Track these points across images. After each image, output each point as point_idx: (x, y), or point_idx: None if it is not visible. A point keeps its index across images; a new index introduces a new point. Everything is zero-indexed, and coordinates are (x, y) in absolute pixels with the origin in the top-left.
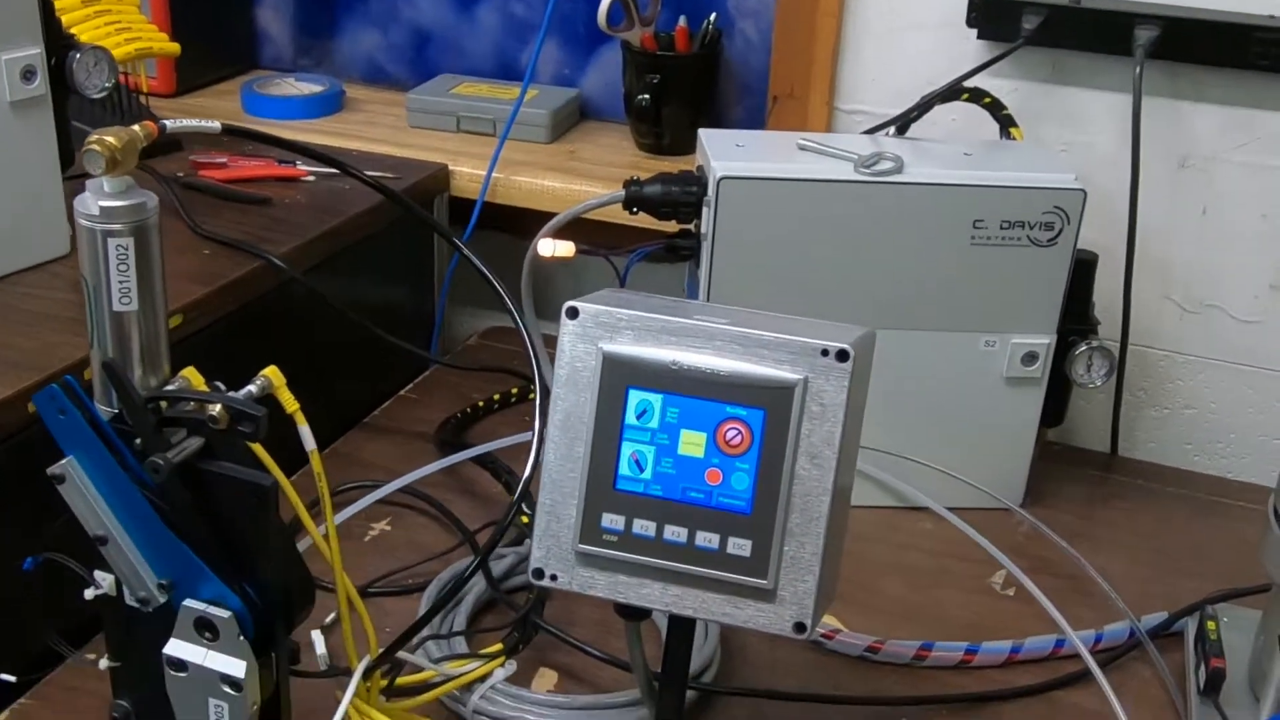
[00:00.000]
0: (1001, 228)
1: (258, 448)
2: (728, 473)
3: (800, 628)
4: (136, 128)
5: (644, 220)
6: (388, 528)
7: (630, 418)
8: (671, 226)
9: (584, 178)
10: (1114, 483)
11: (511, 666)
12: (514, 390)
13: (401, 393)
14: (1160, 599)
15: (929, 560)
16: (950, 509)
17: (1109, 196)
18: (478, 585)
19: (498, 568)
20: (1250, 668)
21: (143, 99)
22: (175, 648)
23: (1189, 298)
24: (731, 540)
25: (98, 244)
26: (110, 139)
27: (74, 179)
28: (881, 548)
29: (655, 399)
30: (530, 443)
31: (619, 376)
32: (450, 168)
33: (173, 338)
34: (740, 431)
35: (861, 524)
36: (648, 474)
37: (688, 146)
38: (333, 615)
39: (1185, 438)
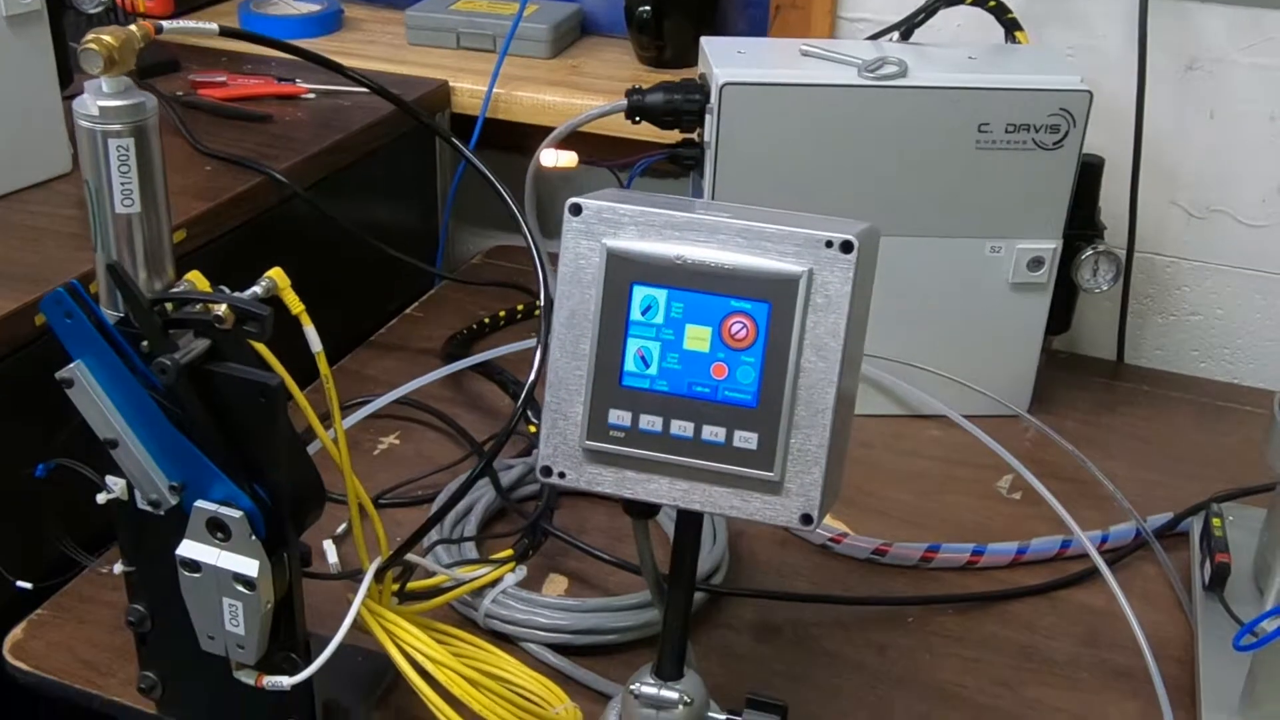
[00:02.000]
0: (1007, 131)
1: (263, 349)
2: (733, 367)
3: (807, 519)
4: (133, 27)
5: (646, 132)
6: (396, 441)
7: (635, 314)
8: (674, 136)
9: (586, 92)
10: (1120, 389)
11: (522, 571)
12: (519, 306)
13: (407, 311)
14: (1165, 501)
15: (935, 467)
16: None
17: (1115, 100)
18: (487, 494)
19: (506, 478)
20: (1255, 563)
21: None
22: (188, 549)
23: (1196, 202)
24: (738, 434)
25: (98, 145)
26: (107, 38)
27: (74, 97)
28: (888, 455)
29: (660, 294)
30: (534, 350)
31: (623, 272)
32: (451, 84)
33: (176, 253)
34: (745, 325)
35: (868, 432)
36: (653, 369)
37: (690, 59)
38: (344, 525)
39: (1191, 344)
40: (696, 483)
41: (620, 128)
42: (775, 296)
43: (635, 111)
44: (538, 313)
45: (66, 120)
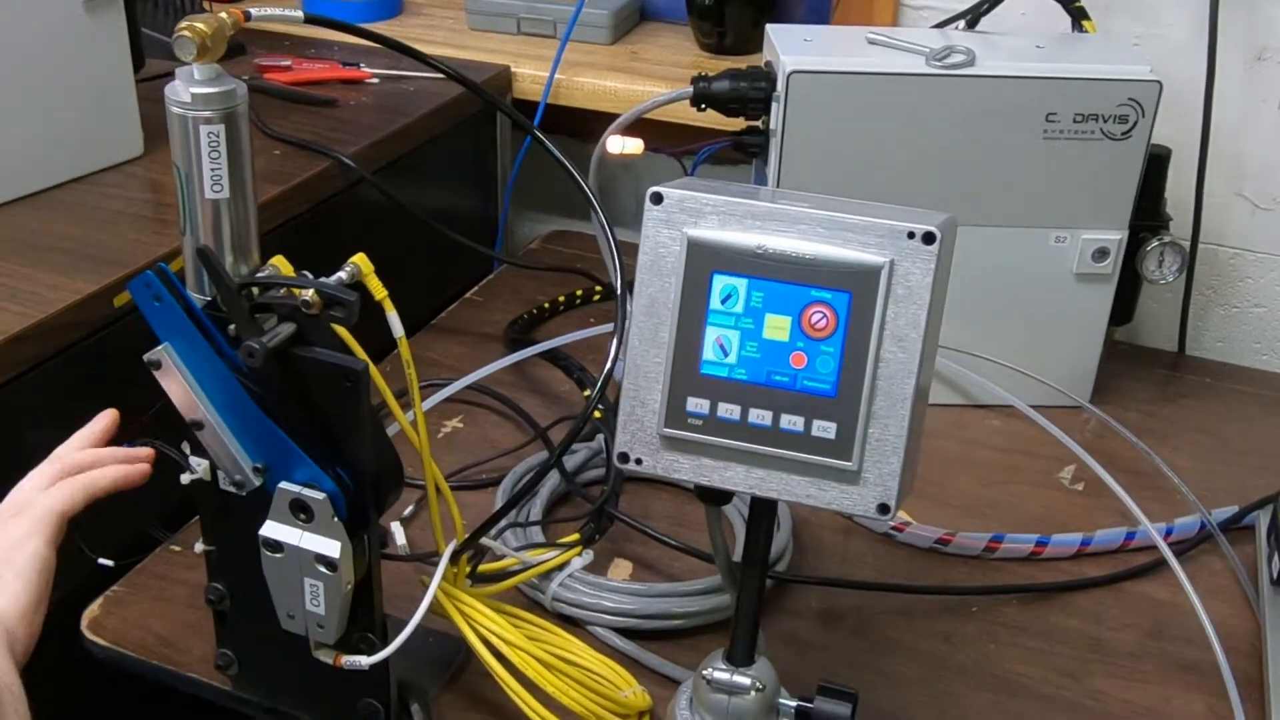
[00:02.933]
0: (1075, 121)
1: (345, 334)
2: (812, 356)
3: (884, 509)
4: (224, 14)
5: (708, 120)
6: (460, 425)
7: (715, 302)
8: (737, 124)
9: (647, 78)
10: (1181, 381)
11: (589, 555)
12: (579, 292)
13: (467, 295)
14: (1229, 494)
15: (997, 456)
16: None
17: (1181, 91)
18: (552, 479)
19: (570, 462)
20: None
21: (205, 5)
22: (271, 529)
23: (1261, 194)
24: (816, 423)
25: (189, 131)
26: (200, 25)
27: (146, 81)
28: (950, 444)
29: (740, 283)
30: (602, 338)
31: (703, 261)
32: (512, 70)
33: None
34: (825, 315)
35: (930, 421)
36: (732, 358)
37: (750, 46)
38: (411, 508)
39: (1254, 336)
40: (773, 471)
41: (682, 114)
42: (856, 287)
43: (701, 98)
44: (596, 298)
45: (139, 103)
